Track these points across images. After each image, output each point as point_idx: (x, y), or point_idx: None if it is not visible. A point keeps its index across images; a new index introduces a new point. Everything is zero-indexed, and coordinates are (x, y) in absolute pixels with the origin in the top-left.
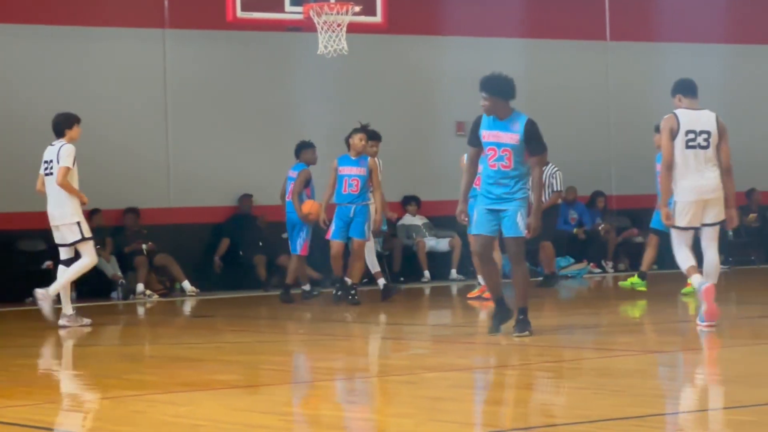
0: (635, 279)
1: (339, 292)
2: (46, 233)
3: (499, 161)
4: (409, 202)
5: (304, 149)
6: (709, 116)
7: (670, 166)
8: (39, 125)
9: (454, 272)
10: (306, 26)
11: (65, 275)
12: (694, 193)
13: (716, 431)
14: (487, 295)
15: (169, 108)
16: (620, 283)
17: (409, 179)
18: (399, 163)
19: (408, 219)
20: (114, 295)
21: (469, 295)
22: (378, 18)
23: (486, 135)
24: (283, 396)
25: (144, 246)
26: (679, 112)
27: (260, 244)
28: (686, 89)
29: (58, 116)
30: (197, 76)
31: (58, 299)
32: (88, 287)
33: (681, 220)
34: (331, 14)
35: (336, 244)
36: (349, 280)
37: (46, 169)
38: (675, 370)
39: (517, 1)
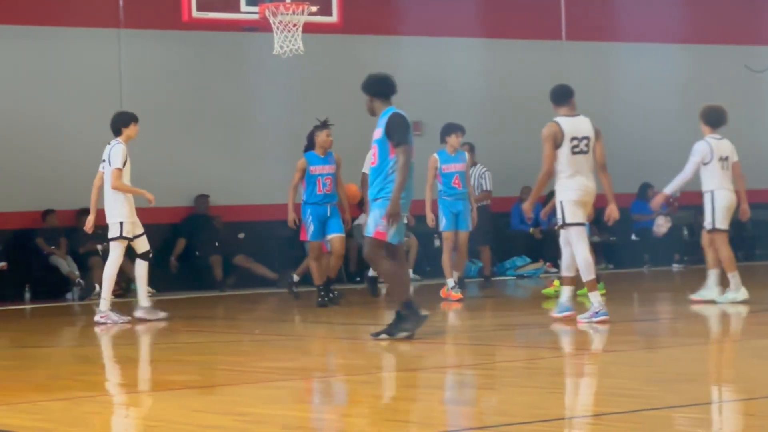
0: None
1: (329, 297)
2: None
3: (372, 159)
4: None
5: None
6: (586, 121)
7: (551, 174)
8: None
9: (410, 272)
10: (262, 26)
11: (105, 281)
12: (581, 192)
13: (672, 429)
14: (454, 296)
15: (124, 108)
16: (578, 291)
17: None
18: (356, 163)
19: (364, 219)
20: (69, 296)
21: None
22: (334, 18)
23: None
24: (239, 396)
25: (99, 247)
26: (560, 120)
27: (216, 244)
28: (561, 97)
29: (116, 115)
30: (153, 76)
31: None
32: (44, 288)
33: (576, 216)
34: (287, 14)
35: (316, 246)
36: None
37: (102, 167)
38: (630, 369)
39: (473, 1)
